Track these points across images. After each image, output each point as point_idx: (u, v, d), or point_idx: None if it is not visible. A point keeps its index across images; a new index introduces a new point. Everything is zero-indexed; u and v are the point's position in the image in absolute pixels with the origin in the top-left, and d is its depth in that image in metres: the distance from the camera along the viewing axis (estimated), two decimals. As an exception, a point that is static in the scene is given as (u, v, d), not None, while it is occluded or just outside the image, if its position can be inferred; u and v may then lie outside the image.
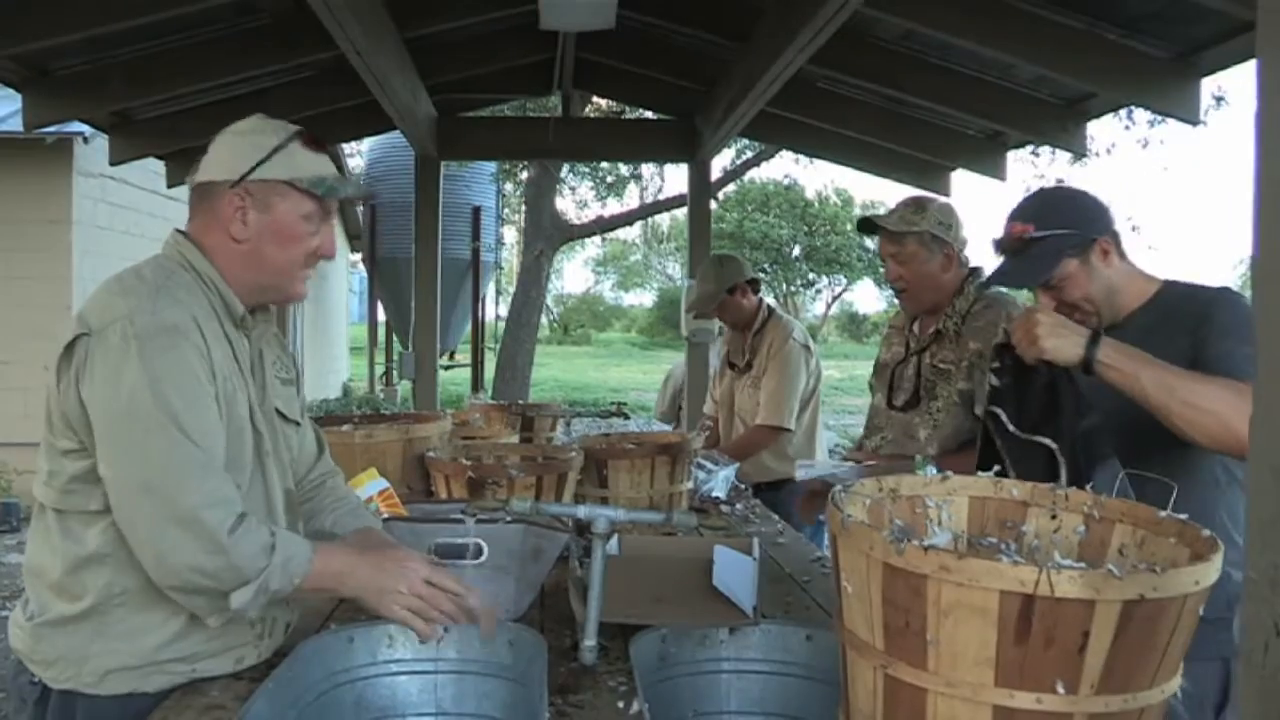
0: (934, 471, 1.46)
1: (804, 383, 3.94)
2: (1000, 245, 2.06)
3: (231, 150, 1.66)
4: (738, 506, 3.35)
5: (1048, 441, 1.58)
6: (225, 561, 1.47)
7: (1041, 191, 2.20)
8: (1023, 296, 2.78)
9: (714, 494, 3.37)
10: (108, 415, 1.49)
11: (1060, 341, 1.78)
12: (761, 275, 4.66)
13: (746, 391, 4.02)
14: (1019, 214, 2.05)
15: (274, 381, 1.77)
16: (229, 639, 1.64)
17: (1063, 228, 1.98)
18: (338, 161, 1.75)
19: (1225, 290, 1.97)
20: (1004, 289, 2.07)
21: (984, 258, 2.47)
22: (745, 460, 3.78)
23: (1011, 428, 1.76)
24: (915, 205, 2.71)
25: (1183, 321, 1.93)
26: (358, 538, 1.80)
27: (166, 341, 1.52)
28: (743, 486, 3.67)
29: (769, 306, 4.13)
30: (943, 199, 2.85)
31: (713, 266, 4.12)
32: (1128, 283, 2.03)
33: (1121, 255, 2.03)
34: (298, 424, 1.85)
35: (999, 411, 1.81)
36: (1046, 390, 1.84)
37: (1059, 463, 1.52)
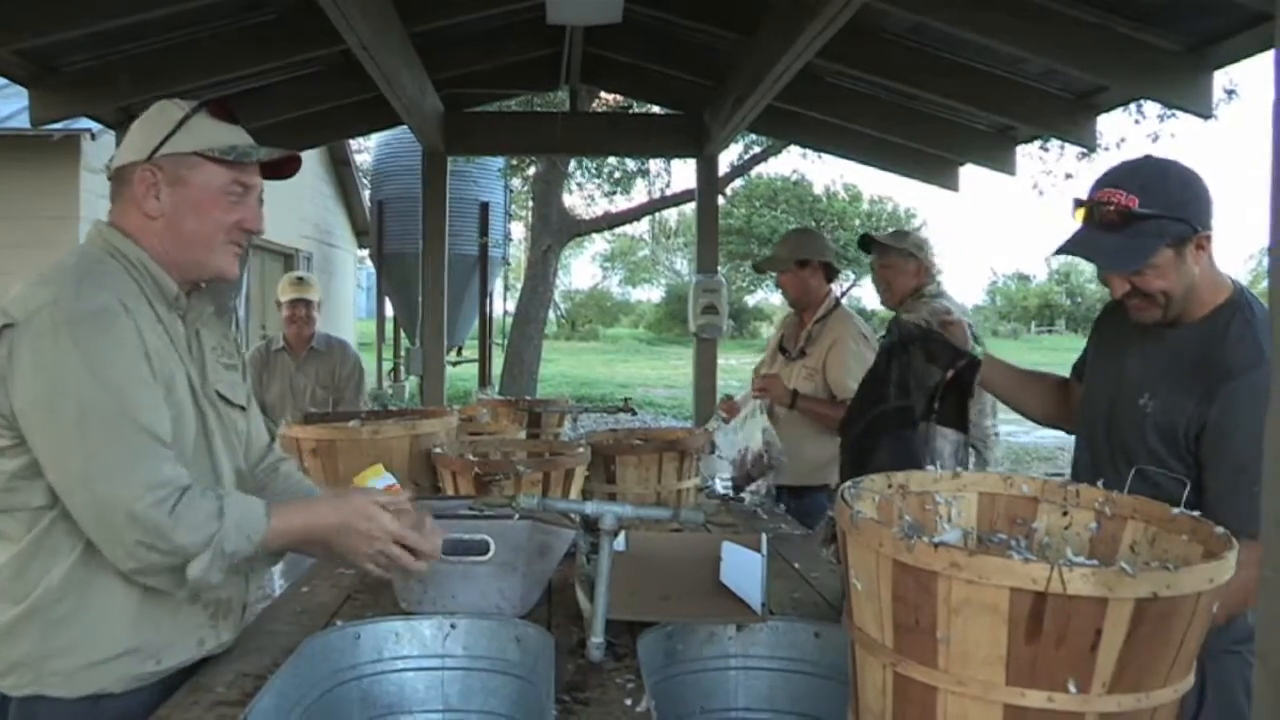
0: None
1: None
2: (1091, 212, 1.78)
3: (140, 132, 1.67)
4: (745, 500, 3.33)
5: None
6: (170, 540, 1.45)
7: (1150, 160, 1.85)
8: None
9: (739, 447, 3.35)
10: (41, 405, 1.46)
11: None
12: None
13: (799, 381, 3.81)
14: (1123, 180, 1.77)
15: (216, 365, 1.75)
16: (182, 623, 1.62)
17: (1170, 209, 1.73)
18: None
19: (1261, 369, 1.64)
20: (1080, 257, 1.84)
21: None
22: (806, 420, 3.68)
23: None
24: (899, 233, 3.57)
25: (1209, 369, 1.74)
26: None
27: (95, 324, 1.49)
28: (760, 490, 3.55)
29: (836, 298, 3.99)
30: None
31: (795, 234, 4.13)
32: (1205, 286, 1.81)
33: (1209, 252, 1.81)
34: (243, 408, 1.83)
35: None
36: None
37: None
